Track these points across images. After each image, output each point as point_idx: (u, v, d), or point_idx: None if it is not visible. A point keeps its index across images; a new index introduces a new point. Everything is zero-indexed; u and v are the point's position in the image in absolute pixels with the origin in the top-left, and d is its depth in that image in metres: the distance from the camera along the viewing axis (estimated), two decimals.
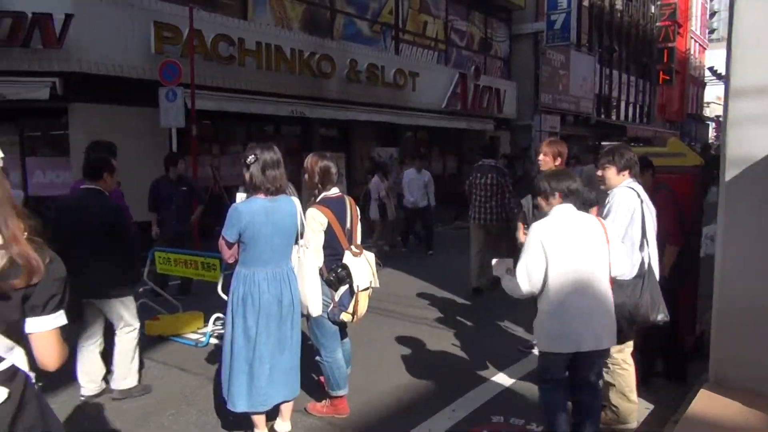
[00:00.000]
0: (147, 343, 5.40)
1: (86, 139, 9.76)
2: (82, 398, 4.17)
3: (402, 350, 5.28)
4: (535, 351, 4.53)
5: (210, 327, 5.50)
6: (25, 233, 1.57)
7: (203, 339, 5.43)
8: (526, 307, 3.89)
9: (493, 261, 3.38)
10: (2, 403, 1.52)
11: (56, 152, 10.14)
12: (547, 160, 4.44)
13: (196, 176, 9.56)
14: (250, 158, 3.27)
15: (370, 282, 3.80)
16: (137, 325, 4.29)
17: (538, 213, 3.38)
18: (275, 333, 3.28)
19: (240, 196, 3.42)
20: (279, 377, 3.31)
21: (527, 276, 3.00)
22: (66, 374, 3.98)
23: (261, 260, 3.29)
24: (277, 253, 3.34)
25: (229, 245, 3.30)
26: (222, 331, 4.24)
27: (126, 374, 4.21)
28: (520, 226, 4.46)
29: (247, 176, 3.31)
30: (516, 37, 21.87)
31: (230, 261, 3.40)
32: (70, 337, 1.93)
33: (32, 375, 1.64)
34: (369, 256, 3.83)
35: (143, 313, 5.78)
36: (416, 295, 7.35)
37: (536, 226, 3.07)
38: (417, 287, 7.77)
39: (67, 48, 9.22)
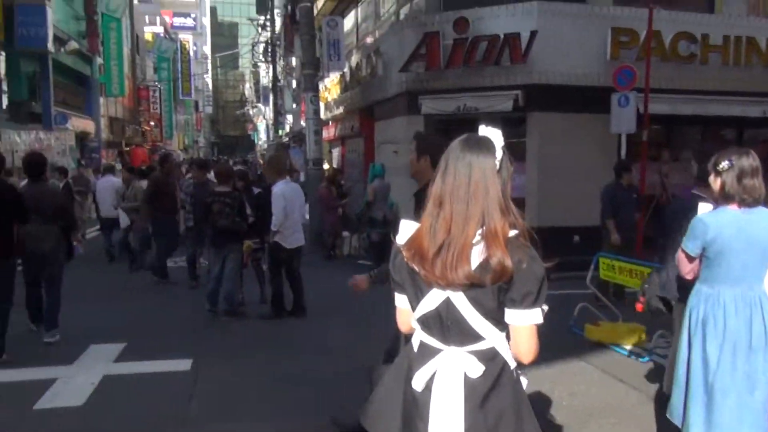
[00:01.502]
0: (586, 347, 5.47)
1: (541, 145, 10.59)
2: None
3: None
4: None
5: (653, 343, 5.20)
6: (514, 231, 1.70)
7: (644, 354, 5.19)
8: None
9: None
10: (478, 377, 1.71)
11: (516, 158, 11.21)
12: None
13: (643, 183, 9.20)
14: (724, 164, 2.92)
15: None
16: None
17: None
18: (743, 365, 2.85)
19: (704, 207, 3.11)
20: (748, 417, 2.86)
21: None
22: None
23: (729, 279, 2.92)
24: (749, 272, 2.90)
25: (690, 259, 3.04)
26: (664, 350, 3.96)
27: None
28: None
29: (716, 184, 2.97)
30: None
31: (689, 277, 3.12)
32: None
33: (513, 364, 1.77)
34: None
35: (583, 317, 5.91)
36: None
37: None
38: None
39: (530, 62, 10.07)
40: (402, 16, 13.28)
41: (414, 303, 1.77)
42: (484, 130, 1.79)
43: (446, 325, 1.71)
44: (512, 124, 11.09)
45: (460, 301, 1.68)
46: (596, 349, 5.46)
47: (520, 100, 10.18)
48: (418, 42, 10.67)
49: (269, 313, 6.77)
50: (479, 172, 1.69)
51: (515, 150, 11.22)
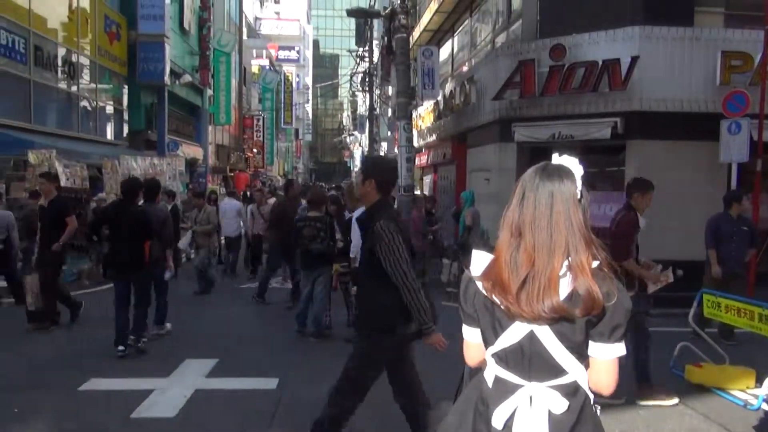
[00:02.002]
0: (687, 389, 5.08)
1: (640, 174, 10.09)
2: None
3: None
4: None
5: (764, 390, 4.75)
6: (596, 263, 1.64)
7: (754, 402, 4.74)
8: None
9: None
10: (562, 413, 1.65)
11: (611, 187, 10.76)
12: None
13: (757, 215, 8.51)
14: None
15: None
16: None
17: None
18: None
19: None
20: None
21: None
22: None
23: None
24: None
25: None
26: None
27: None
28: None
29: None
30: None
31: None
32: None
33: (592, 397, 1.71)
34: None
35: (685, 358, 5.50)
36: None
37: None
38: None
39: (631, 88, 9.69)
40: (498, 45, 13.25)
41: (491, 336, 1.72)
42: (560, 159, 1.75)
43: (527, 360, 1.66)
44: (610, 153, 10.69)
45: (546, 335, 1.63)
46: (698, 392, 5.06)
47: (619, 127, 9.80)
48: (513, 70, 10.58)
49: (356, 337, 6.83)
50: (561, 202, 1.65)
51: (612, 179, 10.77)
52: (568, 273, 1.60)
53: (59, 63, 14.03)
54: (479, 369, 1.84)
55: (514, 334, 1.66)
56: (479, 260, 1.74)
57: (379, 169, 3.52)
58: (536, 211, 1.64)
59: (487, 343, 1.74)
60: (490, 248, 1.76)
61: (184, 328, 7.36)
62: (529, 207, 1.66)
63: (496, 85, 11.00)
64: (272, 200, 11.92)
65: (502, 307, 1.65)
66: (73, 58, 14.73)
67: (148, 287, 6.18)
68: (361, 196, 3.45)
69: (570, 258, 1.61)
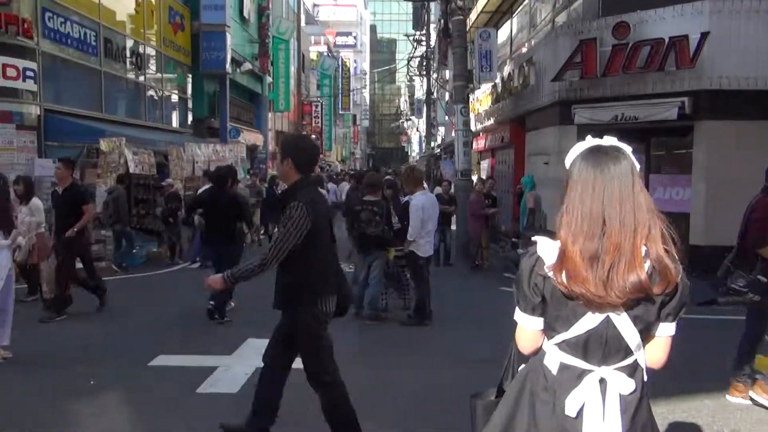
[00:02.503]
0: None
1: (710, 156, 9.67)
2: None
3: None
4: None
5: None
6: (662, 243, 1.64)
7: None
8: None
9: None
10: (630, 393, 1.68)
11: (679, 170, 10.35)
12: None
13: None
14: None
15: None
16: None
17: None
18: None
19: None
20: None
21: None
22: None
23: None
24: None
25: None
26: None
27: None
28: None
29: None
30: None
31: None
32: None
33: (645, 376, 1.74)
34: None
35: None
36: None
37: None
38: None
39: (700, 66, 9.26)
40: (558, 24, 12.90)
41: (562, 326, 1.70)
42: (592, 141, 1.75)
43: (603, 345, 1.66)
44: (676, 134, 10.28)
45: (622, 321, 1.64)
46: None
47: (687, 107, 9.38)
48: (573, 49, 10.29)
49: (412, 321, 6.90)
50: (636, 180, 1.65)
51: (679, 162, 10.36)
52: (647, 251, 1.62)
53: (127, 54, 14.62)
54: (529, 356, 1.84)
55: (589, 322, 1.66)
56: (547, 248, 1.70)
57: (296, 148, 3.41)
58: (618, 193, 1.62)
59: (554, 331, 1.72)
60: (549, 233, 1.76)
61: (246, 307, 7.61)
62: (607, 191, 1.63)
63: (555, 66, 10.73)
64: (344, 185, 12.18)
65: (580, 297, 1.62)
66: (140, 49, 15.31)
67: (237, 259, 6.73)
68: (281, 176, 3.41)
69: (648, 236, 1.62)
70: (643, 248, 1.61)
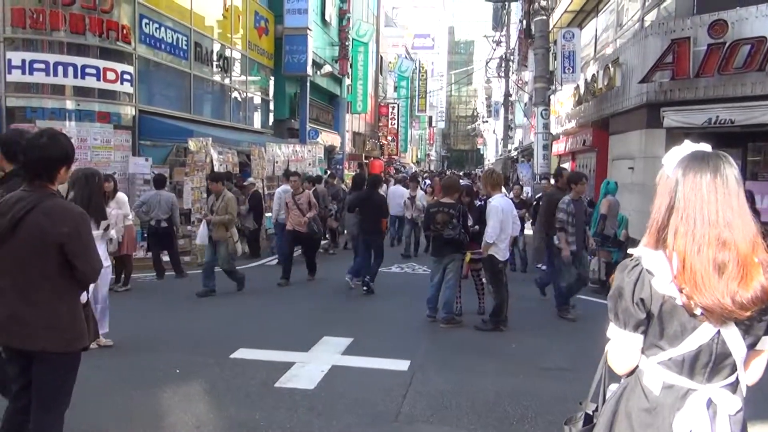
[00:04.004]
0: None
1: None
2: None
3: None
4: None
5: None
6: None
7: None
8: None
9: None
10: (737, 411, 1.62)
11: None
12: None
13: None
14: None
15: None
16: None
17: None
18: None
19: None
20: None
21: None
22: None
23: None
24: None
25: None
26: None
27: None
28: None
29: None
30: None
31: None
32: None
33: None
34: None
35: None
36: None
37: None
38: None
39: None
40: (647, 24, 12.35)
41: (668, 342, 1.61)
42: (691, 146, 1.67)
43: (711, 363, 1.59)
44: None
45: (732, 335, 1.57)
46: None
47: None
48: (664, 49, 9.83)
49: (487, 325, 6.79)
50: (740, 188, 1.59)
51: None
52: (759, 260, 1.56)
53: (214, 57, 15.24)
54: (622, 376, 1.76)
55: (700, 337, 1.58)
56: (655, 260, 1.62)
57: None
58: (735, 200, 1.57)
59: (659, 348, 1.64)
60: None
61: (320, 308, 7.76)
62: (725, 199, 1.57)
63: (644, 66, 10.28)
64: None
65: (707, 309, 1.54)
66: (227, 53, 15.91)
67: (383, 247, 9.03)
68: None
69: (759, 245, 1.57)
70: (755, 258, 1.55)
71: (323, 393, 4.62)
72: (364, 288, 8.57)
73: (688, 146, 1.67)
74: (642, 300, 1.62)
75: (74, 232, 2.70)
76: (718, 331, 1.56)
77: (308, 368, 5.15)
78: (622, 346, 1.71)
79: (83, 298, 2.98)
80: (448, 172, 27.52)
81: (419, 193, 13.05)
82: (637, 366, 1.70)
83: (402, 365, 5.31)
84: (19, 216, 2.63)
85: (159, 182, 9.58)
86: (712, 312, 1.53)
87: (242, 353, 5.52)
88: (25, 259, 2.66)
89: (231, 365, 5.20)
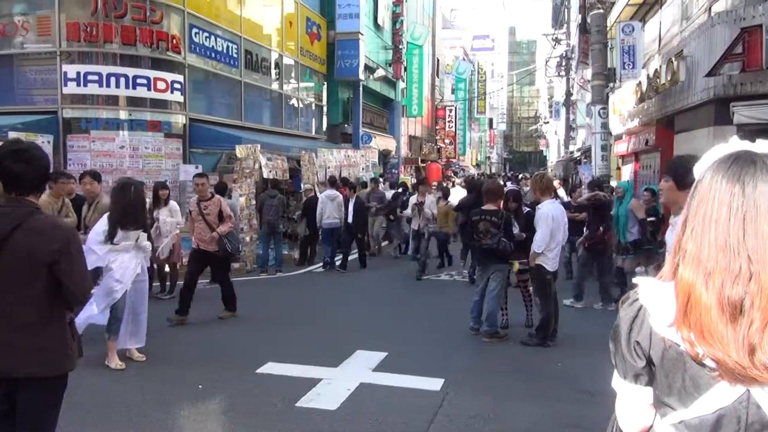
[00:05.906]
0: None
1: None
2: None
3: None
4: None
5: None
6: None
7: None
8: None
9: None
10: None
11: None
12: None
13: None
14: None
15: None
16: None
17: None
18: None
19: None
20: None
21: None
22: None
23: None
24: None
25: None
26: None
27: None
28: None
29: None
30: None
31: None
32: None
33: None
34: None
35: None
36: None
37: None
38: None
39: None
40: (714, 13, 11.49)
41: (677, 400, 1.23)
42: (737, 144, 1.23)
43: (734, 431, 1.17)
44: None
45: (766, 399, 1.15)
46: None
47: None
48: (733, 39, 9.05)
49: (532, 340, 6.36)
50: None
51: None
52: None
53: (266, 65, 15.32)
54: None
55: (720, 397, 1.18)
56: (655, 293, 1.25)
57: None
58: (763, 226, 1.13)
59: (668, 407, 1.26)
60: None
61: (358, 317, 7.52)
62: (749, 214, 1.14)
63: (711, 59, 9.51)
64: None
65: (715, 362, 1.16)
66: (278, 60, 15.99)
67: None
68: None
69: None
70: None
71: (345, 414, 4.36)
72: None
73: (734, 144, 1.24)
74: (638, 343, 1.27)
75: (65, 250, 2.55)
76: (747, 390, 1.15)
77: (334, 385, 4.90)
78: (625, 402, 1.36)
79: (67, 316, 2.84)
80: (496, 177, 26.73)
81: (428, 199, 11.02)
82: (652, 426, 1.33)
83: (435, 384, 4.98)
84: (3, 236, 2.50)
85: (220, 190, 9.41)
86: (724, 368, 1.14)
87: (269, 368, 5.33)
88: (11, 280, 2.53)
89: (256, 382, 5.02)
